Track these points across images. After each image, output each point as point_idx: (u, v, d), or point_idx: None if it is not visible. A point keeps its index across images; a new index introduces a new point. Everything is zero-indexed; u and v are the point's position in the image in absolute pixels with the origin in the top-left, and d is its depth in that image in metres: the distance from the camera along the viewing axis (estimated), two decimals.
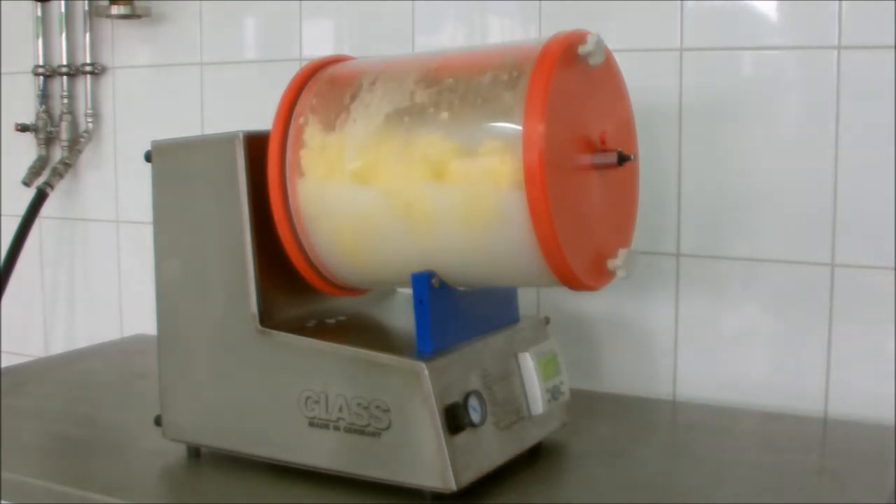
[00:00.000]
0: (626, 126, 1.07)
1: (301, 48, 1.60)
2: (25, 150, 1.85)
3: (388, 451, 0.97)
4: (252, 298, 1.04)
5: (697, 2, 1.31)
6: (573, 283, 0.96)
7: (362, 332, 1.10)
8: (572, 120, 0.96)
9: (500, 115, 0.93)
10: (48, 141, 1.83)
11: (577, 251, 0.94)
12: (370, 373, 0.98)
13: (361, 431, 0.99)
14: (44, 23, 1.82)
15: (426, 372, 0.95)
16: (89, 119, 1.80)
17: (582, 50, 0.95)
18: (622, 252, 1.01)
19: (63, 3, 1.79)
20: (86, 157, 1.83)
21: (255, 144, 1.04)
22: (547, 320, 1.14)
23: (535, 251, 0.92)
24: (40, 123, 1.82)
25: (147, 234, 1.13)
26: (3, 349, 1.93)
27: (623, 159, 0.99)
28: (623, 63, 1.05)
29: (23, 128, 1.82)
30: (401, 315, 1.15)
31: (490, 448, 1.01)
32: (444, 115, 0.96)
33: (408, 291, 1.00)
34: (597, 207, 1.00)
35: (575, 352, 1.31)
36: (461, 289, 1.02)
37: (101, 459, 1.14)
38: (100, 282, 1.86)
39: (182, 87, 1.72)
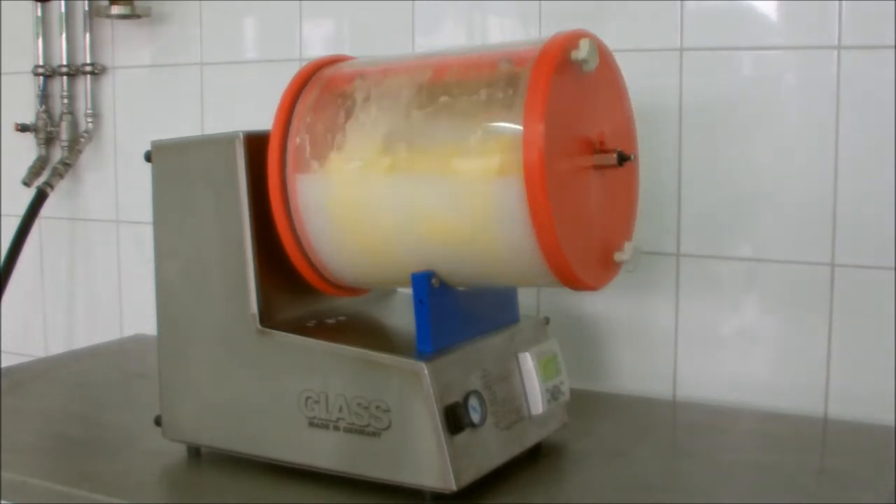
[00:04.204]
0: (626, 126, 1.07)
1: (301, 48, 1.60)
2: (25, 150, 1.85)
3: (388, 451, 0.97)
4: (252, 298, 1.04)
5: (697, 2, 1.31)
6: (573, 283, 0.96)
7: (362, 332, 1.10)
8: (572, 120, 0.96)
9: (500, 115, 0.93)
10: (48, 141, 1.83)
11: (577, 251, 0.94)
12: (370, 373, 0.98)
13: (361, 431, 0.99)
14: (44, 23, 1.82)
15: (426, 372, 0.95)
16: (89, 119, 1.80)
17: (574, 56, 0.94)
18: (628, 245, 1.01)
19: (63, 3, 1.79)
20: (86, 157, 1.83)
21: (255, 144, 1.04)
22: (547, 320, 1.14)
23: (535, 251, 0.92)
24: (40, 123, 1.82)
25: (147, 234, 1.13)
26: (3, 349, 1.93)
27: (623, 159, 0.99)
28: (623, 63, 1.05)
29: (23, 128, 1.82)
30: (401, 315, 1.15)
31: (490, 448, 1.01)
32: (444, 116, 0.96)
33: (408, 291, 1.00)
34: (597, 207, 1.00)
35: (575, 352, 1.31)
36: (461, 289, 1.02)
37: (101, 459, 1.14)
38: (100, 282, 1.86)
39: (182, 87, 1.72)
